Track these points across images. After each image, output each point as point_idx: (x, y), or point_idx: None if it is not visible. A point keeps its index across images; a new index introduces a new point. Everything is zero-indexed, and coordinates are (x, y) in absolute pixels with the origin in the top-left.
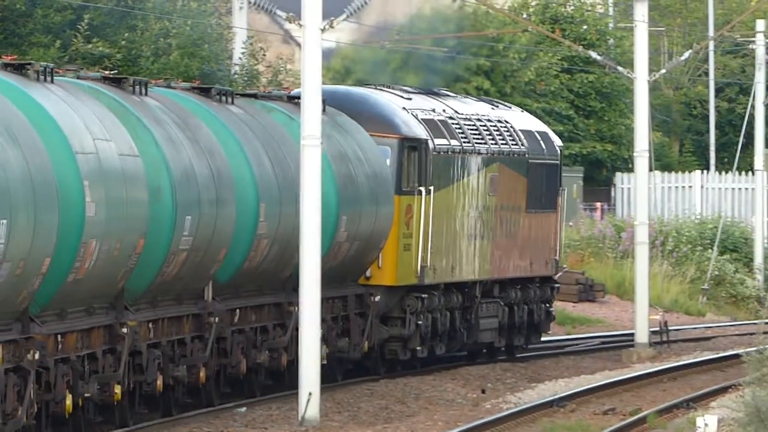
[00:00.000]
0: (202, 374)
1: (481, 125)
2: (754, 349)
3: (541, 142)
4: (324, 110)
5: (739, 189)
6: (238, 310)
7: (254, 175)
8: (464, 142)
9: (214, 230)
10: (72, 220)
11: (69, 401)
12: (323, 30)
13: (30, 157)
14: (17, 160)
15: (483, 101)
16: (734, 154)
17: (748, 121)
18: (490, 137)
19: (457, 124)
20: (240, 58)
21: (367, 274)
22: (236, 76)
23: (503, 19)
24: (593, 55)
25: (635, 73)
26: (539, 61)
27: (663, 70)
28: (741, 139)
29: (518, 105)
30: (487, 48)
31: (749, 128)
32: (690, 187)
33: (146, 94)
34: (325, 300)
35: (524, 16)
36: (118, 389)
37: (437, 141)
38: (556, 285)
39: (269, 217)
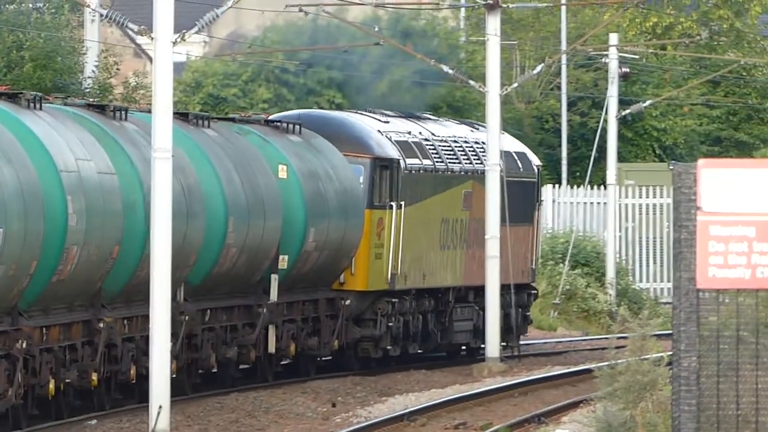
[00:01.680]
0: (173, 367)
1: (456, 146)
2: (606, 363)
3: (518, 161)
4: (300, 132)
5: (591, 203)
6: (209, 311)
7: (224, 191)
8: (437, 162)
9: (184, 239)
10: (56, 229)
11: (52, 385)
12: (175, 43)
13: (21, 175)
14: (11, 178)
15: (465, 124)
16: (586, 168)
17: (600, 135)
18: (465, 157)
19: (431, 145)
20: (93, 71)
21: (341, 279)
22: (88, 89)
23: (356, 32)
24: (445, 68)
25: (487, 86)
26: (391, 74)
27: (515, 84)
28: (593, 153)
29: None
30: (340, 61)
31: (601, 142)
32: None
33: (126, 119)
34: (296, 302)
35: (376, 29)
36: (95, 377)
37: (409, 161)
38: (534, 291)
39: (237, 229)
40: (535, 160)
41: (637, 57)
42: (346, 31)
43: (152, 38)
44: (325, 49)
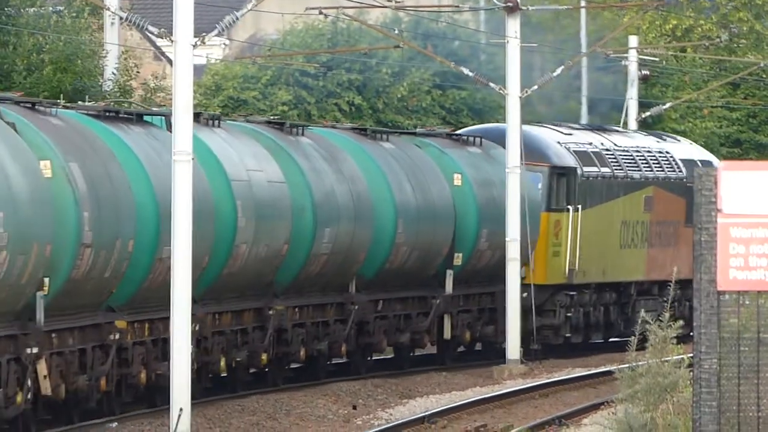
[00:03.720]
0: (343, 349)
1: (638, 156)
2: (627, 365)
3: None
4: (480, 144)
5: None
6: (381, 301)
7: (394, 197)
8: (616, 170)
9: (352, 239)
10: (226, 230)
11: (223, 363)
12: (195, 46)
13: (193, 183)
14: None
15: (653, 135)
16: None
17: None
18: (646, 165)
19: (611, 154)
20: (113, 74)
21: (522, 274)
22: (107, 92)
23: (375, 35)
24: (465, 71)
25: (507, 89)
26: (411, 77)
27: (535, 86)
28: None
29: (390, 121)
30: (360, 63)
31: None
32: None
33: (302, 135)
34: (471, 294)
35: (396, 31)
36: (264, 357)
37: (586, 168)
38: None
39: (407, 230)
40: None
41: (656, 59)
42: (365, 33)
43: (172, 41)
44: (344, 52)
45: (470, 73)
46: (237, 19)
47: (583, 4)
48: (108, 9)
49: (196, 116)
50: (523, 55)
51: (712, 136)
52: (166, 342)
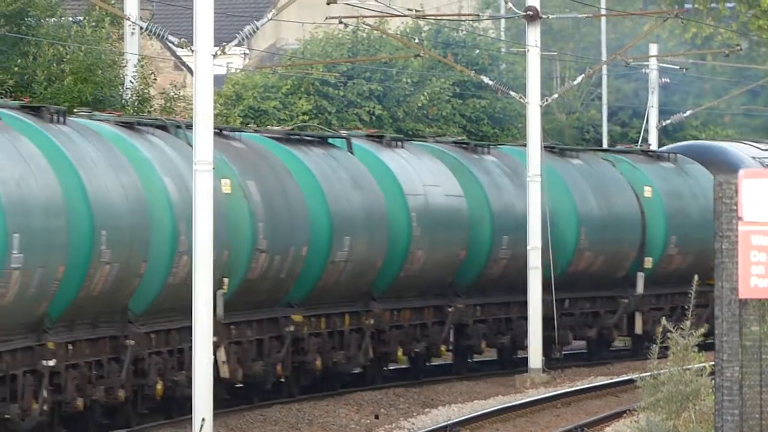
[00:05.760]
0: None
1: None
2: (649, 374)
3: None
4: (675, 160)
5: None
6: (567, 300)
7: (576, 207)
8: None
9: None
10: (401, 238)
11: (400, 353)
12: (215, 55)
13: (368, 198)
14: (358, 200)
15: None
16: None
17: (641, 145)
18: None
19: None
20: (131, 82)
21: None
22: (126, 101)
23: (396, 44)
24: (485, 79)
25: (527, 97)
26: (431, 86)
27: (555, 95)
28: None
29: (410, 130)
30: (380, 73)
31: None
32: None
33: (488, 153)
34: (663, 295)
35: (416, 40)
36: (443, 348)
37: None
38: None
39: (590, 237)
40: None
41: (677, 67)
42: (386, 42)
43: (192, 51)
44: (364, 61)
45: (490, 82)
46: (257, 28)
47: (603, 12)
48: (128, 19)
49: (379, 138)
50: (543, 63)
51: None
52: (342, 334)
